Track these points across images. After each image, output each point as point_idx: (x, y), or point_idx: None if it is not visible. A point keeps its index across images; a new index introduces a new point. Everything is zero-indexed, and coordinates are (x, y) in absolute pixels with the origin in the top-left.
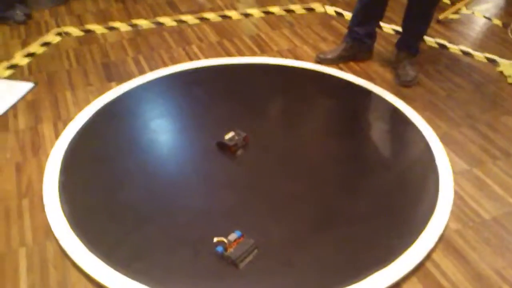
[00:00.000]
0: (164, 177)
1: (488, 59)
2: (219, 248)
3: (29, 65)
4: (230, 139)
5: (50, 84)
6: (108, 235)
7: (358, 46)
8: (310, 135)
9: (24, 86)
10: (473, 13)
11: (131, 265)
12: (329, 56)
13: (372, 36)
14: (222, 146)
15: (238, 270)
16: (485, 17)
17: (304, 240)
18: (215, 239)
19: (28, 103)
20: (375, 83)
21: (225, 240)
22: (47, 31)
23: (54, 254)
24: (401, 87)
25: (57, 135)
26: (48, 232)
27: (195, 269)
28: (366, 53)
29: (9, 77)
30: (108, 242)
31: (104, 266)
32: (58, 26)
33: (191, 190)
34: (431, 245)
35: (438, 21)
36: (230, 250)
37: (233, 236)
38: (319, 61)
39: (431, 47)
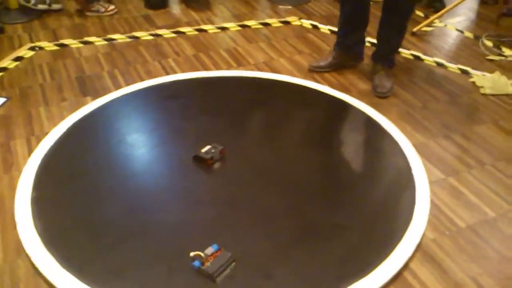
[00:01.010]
0: (140, 192)
1: (461, 70)
2: (196, 263)
3: (1, 79)
4: (206, 152)
5: (23, 99)
6: (82, 252)
7: (347, 54)
8: (287, 148)
9: None
10: (445, 25)
11: (106, 282)
12: (321, 64)
13: (360, 43)
14: (199, 160)
15: (215, 284)
16: (457, 29)
17: (284, 253)
18: (192, 254)
19: (0, 118)
20: (351, 94)
21: (202, 254)
22: (20, 45)
23: (26, 272)
24: (377, 98)
25: (30, 151)
26: (19, 249)
27: (172, 284)
28: (356, 60)
29: None
30: (82, 259)
31: (78, 283)
32: (31, 40)
33: (168, 204)
34: (408, 254)
35: (413, 34)
36: (207, 264)
37: (210, 250)
38: (312, 69)
39: (406, 59)
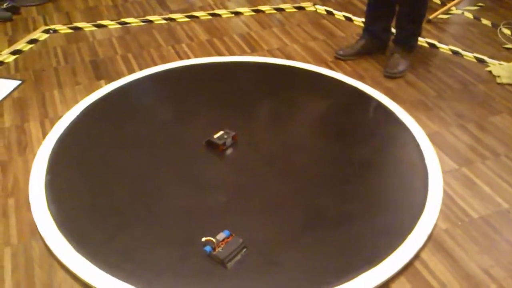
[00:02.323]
0: (153, 176)
1: (477, 59)
2: (207, 248)
3: (15, 62)
4: (219, 138)
5: (37, 82)
6: (95, 235)
7: (375, 41)
8: (299, 135)
9: (11, 84)
10: (463, 13)
11: (119, 265)
12: (348, 52)
13: (387, 31)
14: (211, 145)
15: (226, 269)
16: (474, 17)
17: (293, 240)
18: (203, 239)
19: (15, 101)
20: (365, 82)
21: (213, 240)
22: (35, 28)
23: (40, 253)
24: (386, 77)
25: (44, 134)
26: (34, 231)
27: (183, 269)
28: (383, 48)
29: None
30: (95, 242)
31: (91, 266)
32: (45, 23)
33: (180, 189)
34: (420, 244)
35: (429, 21)
36: (218, 249)
37: (221, 236)
38: (339, 57)
39: (421, 47)
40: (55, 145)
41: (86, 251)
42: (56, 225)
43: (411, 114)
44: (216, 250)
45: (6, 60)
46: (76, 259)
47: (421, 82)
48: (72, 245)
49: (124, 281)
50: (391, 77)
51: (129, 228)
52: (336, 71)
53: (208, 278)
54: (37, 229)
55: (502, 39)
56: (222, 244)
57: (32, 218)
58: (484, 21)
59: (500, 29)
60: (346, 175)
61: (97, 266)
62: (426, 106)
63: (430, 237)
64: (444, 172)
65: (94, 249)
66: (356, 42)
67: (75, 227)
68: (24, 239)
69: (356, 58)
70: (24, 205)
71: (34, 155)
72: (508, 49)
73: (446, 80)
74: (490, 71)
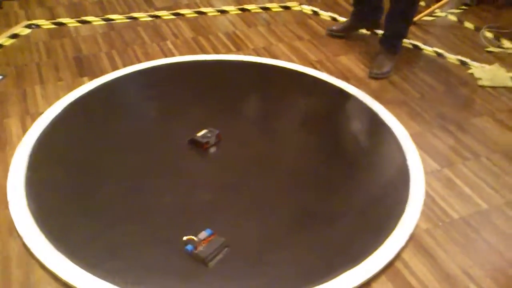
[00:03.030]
0: (136, 174)
1: (460, 61)
2: (189, 247)
3: None
4: (203, 136)
5: (19, 77)
6: (76, 234)
7: (362, 21)
8: (283, 134)
9: None
10: (446, 16)
11: (98, 264)
12: (335, 28)
13: (376, 10)
14: (195, 143)
15: (207, 268)
16: (458, 20)
17: (277, 240)
18: (185, 238)
19: None
20: (350, 82)
21: (195, 239)
22: (17, 22)
23: (17, 252)
24: (370, 78)
25: (24, 130)
26: (11, 229)
27: (165, 268)
28: (370, 25)
29: None
30: (75, 241)
31: (71, 265)
32: (28, 18)
33: (163, 188)
34: (401, 244)
35: (413, 23)
36: (200, 248)
37: (203, 235)
38: (329, 33)
39: (406, 48)
40: (35, 141)
41: (66, 250)
42: (36, 223)
43: (395, 114)
44: (198, 249)
45: None
46: (55, 258)
47: (405, 83)
48: (51, 243)
49: (103, 280)
50: (375, 77)
51: (111, 227)
52: (321, 71)
53: (190, 277)
54: (15, 228)
55: (484, 42)
56: (204, 243)
57: (10, 216)
58: (467, 24)
59: (483, 32)
60: (329, 174)
61: (77, 264)
62: (410, 107)
63: (411, 237)
64: (426, 173)
65: (74, 248)
66: (345, 21)
67: (55, 225)
68: (1, 237)
69: (346, 34)
70: (1, 203)
71: (14, 151)
72: (489, 52)
73: (429, 82)
74: (472, 74)
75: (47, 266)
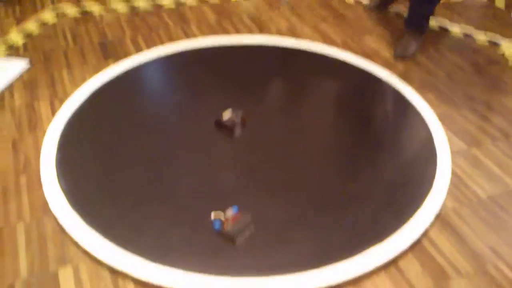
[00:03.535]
0: (163, 155)
1: (489, 41)
2: (217, 224)
3: (24, 44)
4: (228, 118)
5: (46, 63)
6: (106, 212)
7: None
8: (308, 116)
9: (20, 65)
10: None
11: (130, 241)
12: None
13: None
14: (220, 125)
15: (235, 245)
16: None
17: (302, 218)
18: (213, 215)
19: (24, 81)
20: (375, 63)
21: (222, 217)
22: (43, 9)
23: (52, 229)
24: (396, 59)
25: (53, 113)
26: (45, 208)
27: (193, 245)
28: None
29: (4, 56)
30: (106, 219)
31: (102, 241)
32: (53, 4)
33: (189, 168)
34: (428, 222)
35: (440, 3)
36: (227, 226)
37: (230, 212)
38: (369, 8)
39: (432, 28)
40: (65, 123)
41: (98, 227)
42: (68, 201)
43: (421, 95)
44: (225, 227)
45: (15, 42)
46: (87, 235)
47: (432, 64)
48: (83, 221)
49: (136, 255)
50: (401, 58)
51: (140, 206)
52: (346, 52)
53: (217, 254)
54: (49, 206)
55: None
56: (231, 220)
57: (44, 196)
58: (498, 3)
59: None
60: (355, 155)
61: (108, 241)
62: (436, 88)
63: (438, 216)
64: (453, 153)
65: (105, 225)
66: None
67: (86, 203)
68: (36, 215)
69: (384, 9)
70: (36, 182)
71: (44, 133)
72: None
73: (457, 62)
74: (502, 54)
75: (80, 243)
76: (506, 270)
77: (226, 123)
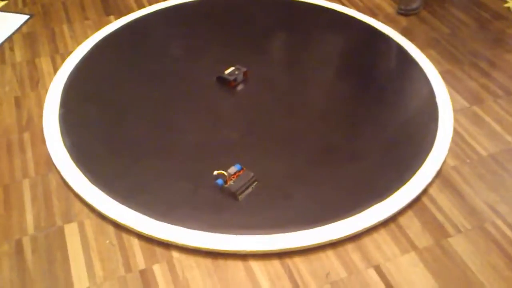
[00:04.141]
0: (165, 111)
1: None
2: (219, 181)
3: None
4: (230, 73)
5: (46, 16)
6: (109, 168)
7: None
8: (310, 72)
9: (19, 18)
10: None
11: (133, 197)
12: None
13: None
14: (222, 81)
15: (237, 202)
16: None
17: (304, 175)
18: (215, 172)
19: (24, 35)
20: (378, 19)
21: (225, 173)
22: None
23: (56, 185)
24: (399, 14)
25: (55, 69)
26: (50, 164)
27: (195, 201)
28: None
29: (2, 9)
30: (109, 175)
31: (106, 197)
32: None
33: (191, 124)
34: (428, 180)
35: None
36: (230, 182)
37: (232, 169)
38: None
39: None
40: (67, 79)
41: (101, 183)
42: (71, 157)
43: (424, 51)
44: (228, 183)
45: None
46: (91, 191)
47: (435, 20)
48: (87, 177)
49: (139, 212)
50: (404, 14)
51: (143, 162)
52: (348, 7)
53: (220, 210)
54: (53, 162)
55: None
56: (233, 177)
57: (48, 152)
58: None
59: None
60: (357, 112)
61: (112, 197)
62: (440, 44)
63: (438, 174)
64: (455, 110)
65: (109, 181)
66: None
67: (90, 159)
68: (41, 171)
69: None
70: (39, 139)
71: (47, 90)
72: None
73: (461, 17)
74: (508, 8)
75: (84, 198)
76: (503, 227)
77: (228, 78)
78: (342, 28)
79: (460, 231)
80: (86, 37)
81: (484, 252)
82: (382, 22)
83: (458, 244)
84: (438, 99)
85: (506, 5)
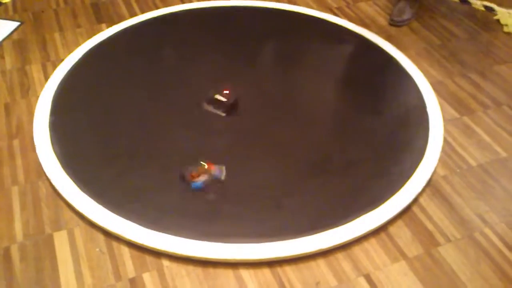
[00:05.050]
0: (156, 120)
1: (485, 7)
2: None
3: (13, 2)
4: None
5: (37, 24)
6: (100, 176)
7: None
8: (302, 82)
9: (10, 25)
10: None
11: (123, 205)
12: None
13: None
14: (212, 103)
15: (222, 209)
16: None
17: (295, 184)
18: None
19: (15, 42)
20: (370, 30)
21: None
22: None
23: (46, 193)
24: (391, 25)
25: (46, 77)
26: (40, 172)
27: (186, 210)
28: None
29: None
30: (99, 183)
31: (96, 205)
32: None
33: (181, 134)
34: (418, 189)
35: None
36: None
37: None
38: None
39: None
40: (58, 87)
41: (91, 191)
42: (61, 165)
43: (415, 62)
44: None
45: (4, 0)
46: (81, 199)
47: (426, 31)
48: (77, 185)
49: (129, 220)
50: (396, 25)
51: (134, 170)
52: (341, 18)
53: (211, 218)
54: (43, 170)
55: None
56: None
57: (38, 159)
58: None
59: None
60: (348, 121)
61: (102, 205)
62: (430, 54)
63: (428, 183)
64: (445, 121)
65: (99, 189)
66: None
67: (80, 167)
68: (30, 179)
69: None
70: (29, 146)
71: (37, 97)
72: None
73: (451, 29)
74: (498, 20)
75: (74, 206)
76: (492, 236)
77: (217, 104)
78: (335, 39)
79: (450, 240)
80: (78, 45)
81: (474, 261)
82: (374, 33)
83: (448, 253)
84: (429, 110)
85: (496, 17)
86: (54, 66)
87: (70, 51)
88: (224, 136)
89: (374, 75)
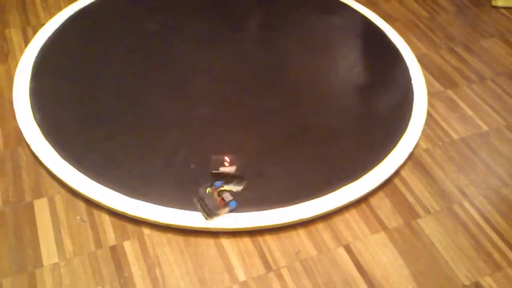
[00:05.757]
0: (139, 86)
1: None
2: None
3: None
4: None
5: None
6: (81, 143)
7: None
8: (284, 50)
9: None
10: None
11: (105, 172)
12: None
13: None
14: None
15: (210, 180)
16: None
17: (276, 154)
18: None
19: None
20: (359, 1)
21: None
22: None
23: (26, 160)
24: None
25: (26, 41)
26: (20, 139)
27: (168, 178)
28: None
29: None
30: (81, 150)
31: (77, 173)
32: None
33: (163, 100)
34: (400, 162)
35: None
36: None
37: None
38: None
39: None
40: (38, 53)
41: (72, 158)
42: (42, 132)
43: (402, 34)
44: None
45: None
46: (62, 166)
47: (415, 3)
48: (58, 152)
49: (110, 188)
50: None
51: (115, 137)
52: None
53: (192, 187)
54: (23, 137)
55: None
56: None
57: (18, 126)
58: None
59: None
60: (331, 92)
61: (83, 173)
62: (418, 27)
63: (410, 156)
64: (429, 94)
65: (80, 157)
66: None
67: (61, 135)
68: (10, 145)
69: None
70: (9, 113)
71: (17, 62)
72: None
73: (440, 2)
74: None
75: (55, 173)
76: (470, 209)
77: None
78: (321, 10)
79: (430, 212)
80: (60, 9)
81: (451, 233)
82: (362, 4)
83: (427, 225)
84: (414, 83)
85: None
86: (35, 31)
87: (51, 15)
88: (207, 104)
89: (359, 46)
